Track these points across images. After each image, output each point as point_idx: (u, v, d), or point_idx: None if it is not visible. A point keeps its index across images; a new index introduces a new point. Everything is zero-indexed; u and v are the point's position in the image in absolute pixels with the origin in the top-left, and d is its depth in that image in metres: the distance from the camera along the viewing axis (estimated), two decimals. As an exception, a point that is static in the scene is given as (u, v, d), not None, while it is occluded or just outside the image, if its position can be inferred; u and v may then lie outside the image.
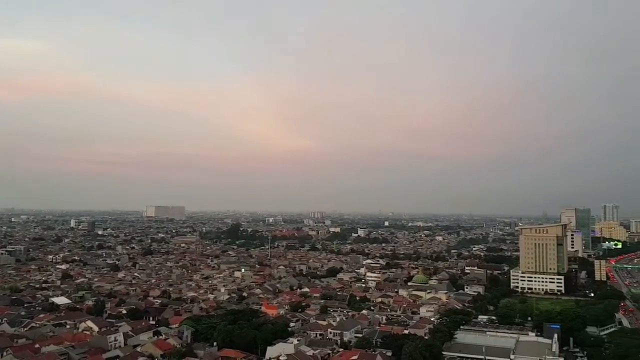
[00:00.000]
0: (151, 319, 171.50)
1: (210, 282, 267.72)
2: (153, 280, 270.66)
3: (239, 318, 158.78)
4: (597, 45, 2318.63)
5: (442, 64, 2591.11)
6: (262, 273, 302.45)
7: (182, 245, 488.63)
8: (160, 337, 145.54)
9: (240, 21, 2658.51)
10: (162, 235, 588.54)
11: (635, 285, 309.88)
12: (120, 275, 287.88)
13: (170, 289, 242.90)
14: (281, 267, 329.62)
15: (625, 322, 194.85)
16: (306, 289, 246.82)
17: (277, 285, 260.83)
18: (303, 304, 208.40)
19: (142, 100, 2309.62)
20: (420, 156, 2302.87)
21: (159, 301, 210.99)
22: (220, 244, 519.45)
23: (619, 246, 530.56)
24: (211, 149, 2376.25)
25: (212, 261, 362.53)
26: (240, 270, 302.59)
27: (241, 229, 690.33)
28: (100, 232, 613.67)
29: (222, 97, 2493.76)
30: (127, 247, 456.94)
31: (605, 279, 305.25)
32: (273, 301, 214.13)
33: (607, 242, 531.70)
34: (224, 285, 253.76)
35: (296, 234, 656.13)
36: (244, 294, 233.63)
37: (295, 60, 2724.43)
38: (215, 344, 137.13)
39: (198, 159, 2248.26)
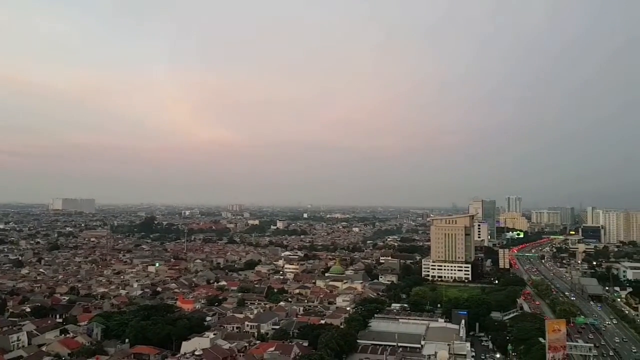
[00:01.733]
0: (58, 316, 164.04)
1: (122, 277, 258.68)
2: (60, 277, 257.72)
3: (152, 314, 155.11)
4: (514, 45, 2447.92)
5: (369, 61, 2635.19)
6: (177, 267, 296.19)
7: (92, 239, 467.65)
8: (68, 335, 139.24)
9: (160, 11, 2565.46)
10: (70, 230, 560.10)
11: (535, 272, 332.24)
12: (24, 271, 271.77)
13: (79, 285, 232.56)
14: (198, 260, 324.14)
15: (526, 307, 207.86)
16: (223, 283, 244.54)
17: (193, 279, 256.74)
18: (220, 297, 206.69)
19: (50, 90, 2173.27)
20: (340, 149, 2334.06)
21: (67, 298, 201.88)
22: (133, 238, 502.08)
23: (521, 236, 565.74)
24: (126, 140, 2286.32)
25: (124, 256, 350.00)
26: (154, 265, 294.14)
27: (156, 222, 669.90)
28: (1, 226, 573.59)
29: (138, 87, 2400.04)
30: (32, 241, 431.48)
31: (508, 267, 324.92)
32: (189, 295, 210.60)
33: (510, 232, 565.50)
34: (136, 281, 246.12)
35: (214, 227, 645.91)
36: (158, 288, 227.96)
37: (218, 52, 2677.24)
38: (127, 340, 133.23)
39: (111, 149, 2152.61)
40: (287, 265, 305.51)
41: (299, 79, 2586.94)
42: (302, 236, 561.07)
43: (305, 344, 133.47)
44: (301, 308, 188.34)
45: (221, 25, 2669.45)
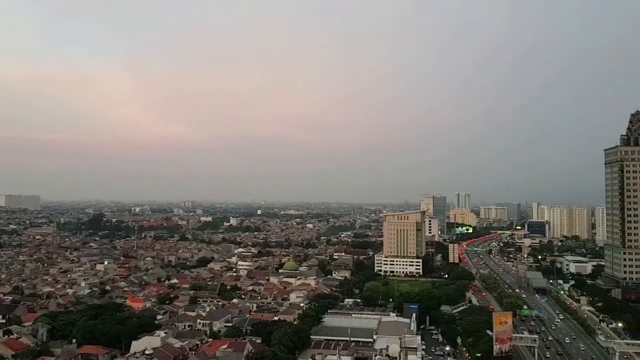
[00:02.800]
0: (1, 317, 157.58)
1: (69, 276, 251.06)
2: (3, 276, 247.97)
3: (101, 313, 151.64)
4: (479, 47, 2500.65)
5: (328, 57, 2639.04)
6: (127, 265, 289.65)
7: (37, 237, 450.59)
8: (12, 336, 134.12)
9: (113, 4, 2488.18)
10: (14, 227, 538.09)
11: (482, 266, 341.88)
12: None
13: (23, 284, 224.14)
14: (148, 258, 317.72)
15: (475, 301, 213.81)
16: (175, 280, 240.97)
17: (144, 277, 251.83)
18: (171, 295, 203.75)
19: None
20: (295, 144, 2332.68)
21: (10, 298, 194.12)
22: (80, 236, 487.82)
23: (470, 231, 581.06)
24: (72, 134, 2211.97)
25: (71, 254, 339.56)
26: (103, 263, 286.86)
27: (104, 219, 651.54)
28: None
29: (87, 81, 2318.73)
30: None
31: (458, 261, 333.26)
32: (139, 294, 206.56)
33: (460, 227, 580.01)
34: (84, 279, 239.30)
35: (165, 224, 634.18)
36: (107, 287, 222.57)
37: (172, 47, 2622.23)
38: (74, 341, 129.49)
39: (59, 144, 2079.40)
40: (240, 262, 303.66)
41: (254, 74, 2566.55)
42: (255, 233, 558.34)
43: (259, 340, 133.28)
44: (254, 305, 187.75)
45: (174, 20, 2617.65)
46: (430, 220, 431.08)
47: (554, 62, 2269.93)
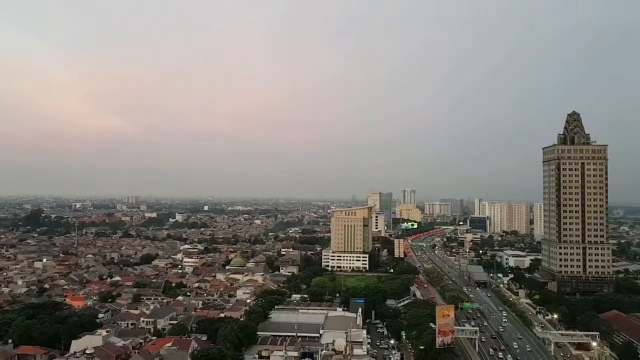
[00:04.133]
0: None
1: (4, 274, 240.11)
2: None
3: (39, 312, 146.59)
4: (426, 47, 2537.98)
5: (279, 55, 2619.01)
6: (67, 263, 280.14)
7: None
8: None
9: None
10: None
11: (427, 260, 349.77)
12: None
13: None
14: (89, 255, 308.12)
15: (419, 294, 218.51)
16: (118, 278, 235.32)
17: (85, 275, 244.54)
18: (114, 293, 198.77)
19: None
20: (243, 141, 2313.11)
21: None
22: (17, 232, 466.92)
23: (415, 226, 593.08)
24: (8, 127, 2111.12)
25: (7, 251, 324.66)
26: (41, 261, 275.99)
27: (43, 215, 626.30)
28: None
29: (20, 72, 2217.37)
30: None
31: (403, 256, 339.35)
32: (80, 292, 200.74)
33: (405, 223, 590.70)
34: (21, 277, 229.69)
35: (107, 220, 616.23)
36: (46, 285, 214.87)
37: (115, 40, 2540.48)
38: (10, 341, 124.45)
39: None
40: (186, 259, 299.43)
41: (200, 70, 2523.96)
42: (202, 229, 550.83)
43: (204, 338, 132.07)
44: (200, 302, 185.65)
45: (117, 13, 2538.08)
46: (377, 216, 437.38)
47: (495, 62, 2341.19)
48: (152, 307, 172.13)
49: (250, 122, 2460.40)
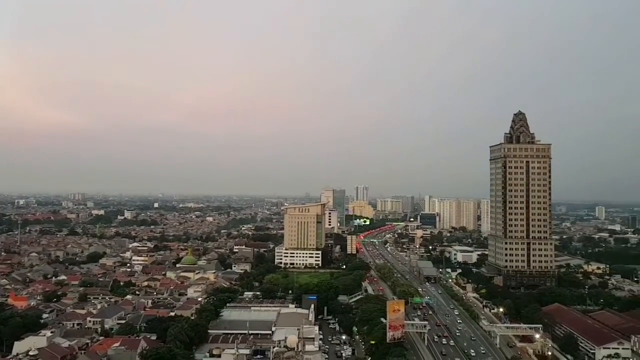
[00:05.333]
0: None
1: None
2: None
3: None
4: (385, 39, 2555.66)
5: (231, 47, 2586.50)
6: (9, 262, 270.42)
7: None
8: None
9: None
10: None
11: (378, 256, 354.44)
12: None
13: None
14: (33, 254, 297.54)
15: (370, 290, 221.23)
16: (63, 277, 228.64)
17: (28, 274, 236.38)
18: (59, 293, 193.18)
19: None
20: (194, 135, 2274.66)
21: None
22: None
23: (368, 223, 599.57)
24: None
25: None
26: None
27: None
28: None
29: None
30: None
31: (355, 252, 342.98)
32: (22, 292, 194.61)
33: (358, 219, 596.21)
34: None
35: (52, 218, 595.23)
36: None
37: (63, 33, 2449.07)
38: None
39: None
40: (135, 257, 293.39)
41: (151, 63, 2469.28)
42: (152, 226, 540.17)
43: (154, 337, 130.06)
44: (150, 301, 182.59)
45: (67, 6, 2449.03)
46: (330, 213, 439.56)
47: (446, 62, 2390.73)
48: (99, 306, 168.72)
49: (202, 117, 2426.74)
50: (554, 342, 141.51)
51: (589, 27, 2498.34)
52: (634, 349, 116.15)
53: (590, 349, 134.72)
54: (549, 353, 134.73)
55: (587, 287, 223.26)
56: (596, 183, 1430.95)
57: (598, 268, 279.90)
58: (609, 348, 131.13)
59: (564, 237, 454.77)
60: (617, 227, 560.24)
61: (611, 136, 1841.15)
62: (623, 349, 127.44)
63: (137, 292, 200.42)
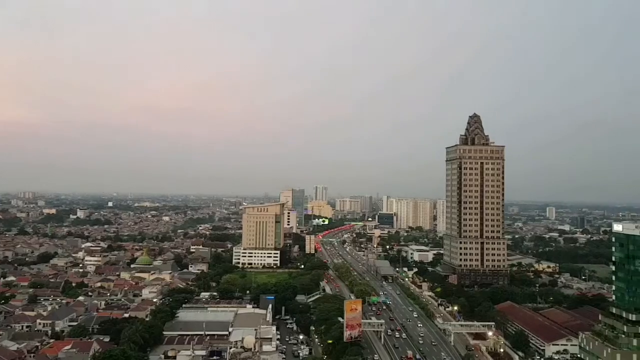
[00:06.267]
0: None
1: None
2: None
3: None
4: (348, 40, 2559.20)
5: (186, 45, 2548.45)
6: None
7: None
8: None
9: None
10: None
11: (337, 256, 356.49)
12: None
13: None
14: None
15: (328, 289, 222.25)
16: (12, 278, 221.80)
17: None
18: (7, 294, 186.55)
19: None
20: (150, 134, 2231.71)
21: None
22: None
23: (326, 222, 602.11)
24: None
25: None
26: None
27: None
28: None
29: None
30: None
31: (314, 252, 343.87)
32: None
33: (317, 219, 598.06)
34: None
35: (1, 217, 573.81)
36: None
37: (13, 24, 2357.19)
38: None
39: None
40: (88, 257, 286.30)
41: (103, 60, 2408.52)
42: (106, 226, 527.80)
43: (107, 339, 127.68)
44: (103, 302, 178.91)
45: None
46: (289, 213, 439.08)
47: (409, 63, 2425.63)
48: (49, 308, 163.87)
49: (159, 115, 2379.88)
50: (506, 339, 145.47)
51: (545, 33, 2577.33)
52: (582, 346, 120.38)
53: (541, 345, 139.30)
54: (501, 350, 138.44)
55: (537, 285, 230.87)
56: (547, 184, 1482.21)
57: (548, 267, 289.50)
58: (558, 344, 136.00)
59: (516, 236, 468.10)
60: (567, 227, 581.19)
61: (562, 139, 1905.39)
62: (571, 345, 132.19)
63: (90, 293, 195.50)
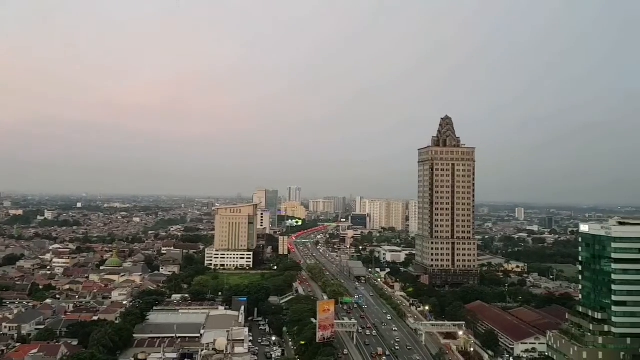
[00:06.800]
0: None
1: None
2: None
3: None
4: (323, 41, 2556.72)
5: (161, 41, 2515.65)
6: None
7: None
8: None
9: None
10: None
11: (310, 257, 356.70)
12: None
13: None
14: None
15: (301, 290, 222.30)
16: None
17: None
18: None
19: None
20: (121, 133, 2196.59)
21: None
22: None
23: (300, 223, 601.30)
24: None
25: None
26: None
27: None
28: None
29: None
30: None
31: (287, 253, 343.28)
32: None
33: (290, 220, 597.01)
34: None
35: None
36: None
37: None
38: None
39: None
40: (56, 259, 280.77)
41: (76, 58, 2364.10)
42: (74, 227, 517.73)
43: (75, 343, 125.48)
44: (71, 305, 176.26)
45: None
46: (262, 213, 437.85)
47: (377, 65, 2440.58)
48: (16, 311, 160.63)
49: (130, 114, 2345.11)
50: (476, 339, 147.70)
51: (513, 34, 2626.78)
52: (550, 344, 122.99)
53: (510, 344, 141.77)
54: (472, 349, 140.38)
55: (507, 285, 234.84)
56: (517, 185, 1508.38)
57: (517, 267, 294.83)
58: (526, 343, 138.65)
59: (486, 237, 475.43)
60: (535, 228, 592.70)
61: (533, 141, 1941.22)
62: (539, 343, 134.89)
63: (58, 296, 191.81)
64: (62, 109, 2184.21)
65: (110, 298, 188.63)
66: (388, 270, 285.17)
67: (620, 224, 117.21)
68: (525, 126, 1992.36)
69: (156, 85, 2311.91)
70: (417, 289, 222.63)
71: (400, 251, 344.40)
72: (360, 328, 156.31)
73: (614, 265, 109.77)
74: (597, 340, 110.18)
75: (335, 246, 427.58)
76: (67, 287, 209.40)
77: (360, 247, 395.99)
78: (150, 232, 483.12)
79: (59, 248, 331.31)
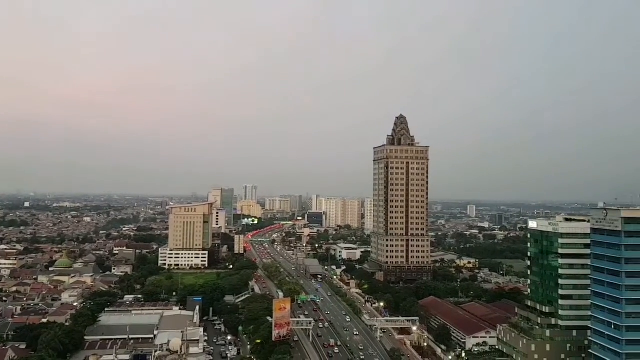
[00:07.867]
0: None
1: None
2: None
3: None
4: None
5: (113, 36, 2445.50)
6: None
7: None
8: None
9: None
10: None
11: (266, 255, 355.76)
12: None
13: None
14: None
15: (257, 289, 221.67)
16: None
17: None
18: None
19: None
20: (71, 131, 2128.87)
21: None
22: None
23: (256, 222, 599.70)
24: None
25: None
26: None
27: None
28: None
29: None
30: None
31: (243, 252, 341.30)
32: None
33: (246, 219, 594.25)
34: None
35: None
36: None
37: None
38: None
39: None
40: (2, 261, 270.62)
41: (28, 52, 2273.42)
42: (22, 227, 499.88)
43: (23, 346, 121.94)
44: (19, 307, 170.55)
45: None
46: (217, 212, 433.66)
47: (340, 68, 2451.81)
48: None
49: (82, 110, 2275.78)
50: (430, 333, 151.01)
51: (471, 32, 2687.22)
52: (500, 337, 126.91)
53: (462, 338, 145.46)
54: (425, 344, 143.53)
55: (459, 280, 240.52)
56: (469, 183, 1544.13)
57: (469, 262, 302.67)
58: (477, 337, 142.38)
59: (439, 233, 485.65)
60: (486, 225, 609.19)
61: (483, 140, 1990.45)
62: (490, 337, 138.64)
63: (5, 299, 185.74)
64: (11, 106, 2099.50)
65: (60, 300, 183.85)
66: (344, 267, 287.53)
67: (567, 220, 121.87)
68: (472, 124, 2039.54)
69: (107, 83, 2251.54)
70: (373, 285, 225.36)
71: (356, 249, 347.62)
72: (314, 321, 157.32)
73: (560, 260, 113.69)
74: (545, 333, 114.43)
75: (292, 244, 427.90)
76: (14, 289, 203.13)
77: (317, 245, 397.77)
78: (101, 232, 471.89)
79: (6, 249, 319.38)
